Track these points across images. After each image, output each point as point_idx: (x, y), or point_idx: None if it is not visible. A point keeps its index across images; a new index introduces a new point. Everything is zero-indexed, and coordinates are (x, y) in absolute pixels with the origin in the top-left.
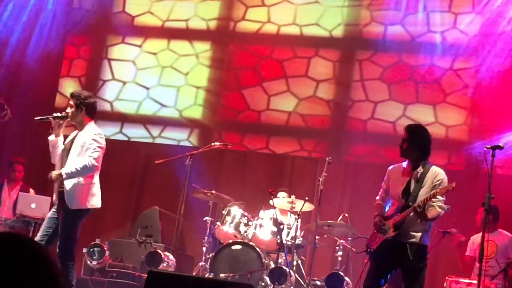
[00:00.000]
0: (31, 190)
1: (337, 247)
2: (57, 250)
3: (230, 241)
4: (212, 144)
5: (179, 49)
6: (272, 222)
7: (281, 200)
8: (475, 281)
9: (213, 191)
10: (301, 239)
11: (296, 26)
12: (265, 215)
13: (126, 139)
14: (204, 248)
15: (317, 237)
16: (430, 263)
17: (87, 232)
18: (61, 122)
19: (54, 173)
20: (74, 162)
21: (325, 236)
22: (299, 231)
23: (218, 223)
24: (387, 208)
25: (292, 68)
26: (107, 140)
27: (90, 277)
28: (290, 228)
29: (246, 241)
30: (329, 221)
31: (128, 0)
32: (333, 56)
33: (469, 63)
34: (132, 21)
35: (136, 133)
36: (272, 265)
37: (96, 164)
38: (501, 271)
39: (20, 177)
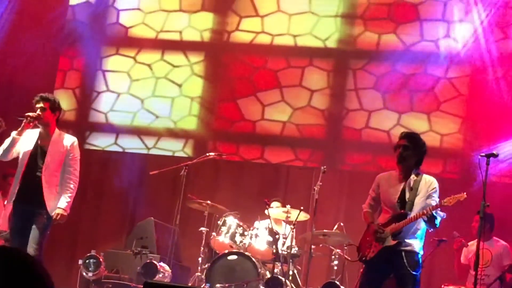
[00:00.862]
0: None
1: (333, 256)
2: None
3: (226, 251)
4: (207, 154)
5: (173, 60)
6: (268, 232)
7: (276, 209)
8: None
9: (208, 202)
10: (296, 248)
11: (290, 36)
12: (261, 225)
13: (121, 150)
14: (199, 259)
15: (312, 246)
16: (426, 272)
17: (82, 244)
18: (31, 123)
19: (61, 214)
20: (66, 186)
21: (320, 245)
22: (294, 240)
23: (213, 233)
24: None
25: (286, 78)
26: (102, 151)
27: None
28: (285, 238)
29: (242, 251)
30: (324, 230)
31: (122, 12)
32: (327, 66)
33: (463, 71)
34: (126, 32)
35: (131, 144)
36: (268, 275)
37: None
38: (496, 279)
39: None
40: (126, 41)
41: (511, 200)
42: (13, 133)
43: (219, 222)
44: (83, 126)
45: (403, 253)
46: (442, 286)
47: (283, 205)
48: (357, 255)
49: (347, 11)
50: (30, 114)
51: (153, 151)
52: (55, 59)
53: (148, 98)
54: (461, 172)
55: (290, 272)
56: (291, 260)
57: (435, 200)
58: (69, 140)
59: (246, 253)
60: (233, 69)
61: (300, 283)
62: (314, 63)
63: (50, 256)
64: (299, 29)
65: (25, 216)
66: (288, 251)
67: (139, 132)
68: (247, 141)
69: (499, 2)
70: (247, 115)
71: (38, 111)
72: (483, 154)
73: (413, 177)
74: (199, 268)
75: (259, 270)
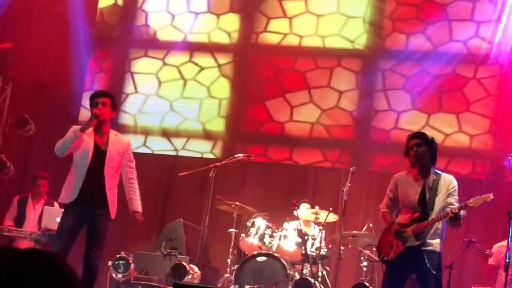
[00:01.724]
0: (56, 204)
1: (362, 258)
2: (94, 256)
3: (255, 252)
4: (236, 156)
5: (201, 62)
6: (297, 233)
7: (305, 211)
8: None
9: (237, 203)
10: (325, 249)
11: (318, 37)
12: (289, 226)
13: (149, 152)
14: (229, 260)
15: (341, 247)
16: (456, 272)
17: (112, 245)
18: (97, 119)
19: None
20: (132, 187)
21: (349, 246)
22: (323, 241)
23: (242, 234)
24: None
25: (314, 79)
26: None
27: None
28: (314, 239)
29: (270, 252)
30: (353, 232)
31: (151, 14)
32: (355, 67)
33: (492, 71)
34: (154, 34)
35: (160, 146)
36: (297, 276)
37: None
38: None
39: (44, 192)
40: (154, 43)
41: None
42: (77, 128)
43: (248, 223)
44: (112, 128)
45: (425, 254)
46: (472, 286)
47: (312, 207)
48: (377, 256)
49: (375, 12)
50: (96, 110)
51: (182, 153)
52: (84, 61)
53: (176, 100)
54: (490, 172)
55: (319, 273)
56: (320, 261)
57: (455, 199)
58: (125, 140)
59: (275, 254)
60: (261, 70)
61: (329, 284)
62: (342, 64)
63: (80, 258)
64: (328, 30)
65: (83, 217)
66: (317, 252)
67: (168, 133)
68: (275, 142)
69: None
70: (275, 117)
71: (99, 107)
72: None
73: (432, 176)
74: (228, 269)
75: (288, 271)
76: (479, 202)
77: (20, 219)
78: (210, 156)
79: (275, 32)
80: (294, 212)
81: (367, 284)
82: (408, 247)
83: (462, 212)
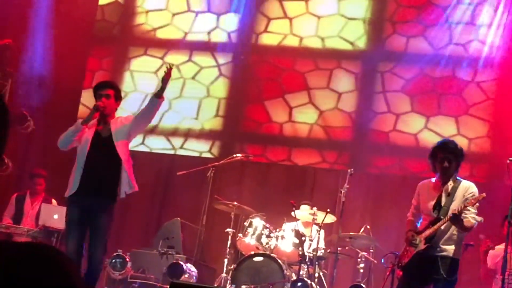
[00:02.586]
0: (54, 201)
1: (359, 259)
2: (96, 254)
3: (252, 252)
4: (234, 155)
5: (201, 61)
6: (294, 233)
7: (303, 212)
8: None
9: (235, 203)
10: (322, 251)
11: (318, 38)
12: (287, 227)
13: (148, 150)
14: (225, 260)
15: (339, 248)
16: None
17: (109, 244)
18: (98, 111)
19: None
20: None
21: (347, 248)
22: (322, 242)
23: (240, 234)
24: (418, 224)
25: (314, 80)
26: (130, 151)
27: None
28: (311, 240)
29: (268, 252)
30: (351, 233)
31: (150, 13)
32: (355, 68)
33: (491, 75)
34: (154, 33)
35: (158, 144)
36: (294, 277)
37: None
38: None
39: (41, 190)
40: (154, 42)
41: None
42: (79, 122)
43: (245, 223)
44: None
45: (438, 259)
46: None
47: (311, 208)
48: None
49: (376, 14)
50: (99, 103)
51: (180, 152)
52: (84, 59)
53: (175, 99)
54: (489, 176)
55: (316, 274)
56: (317, 262)
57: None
58: (126, 115)
59: (272, 254)
60: (261, 70)
61: (326, 286)
62: (342, 66)
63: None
64: (328, 31)
65: (86, 208)
66: (314, 253)
67: (166, 132)
68: (274, 143)
69: None
70: (274, 117)
71: (103, 99)
72: (511, 158)
73: (450, 183)
74: (224, 269)
75: (285, 272)
76: (474, 202)
77: (18, 216)
78: (208, 155)
79: (275, 33)
80: (292, 213)
81: (363, 285)
82: (417, 252)
83: (479, 218)
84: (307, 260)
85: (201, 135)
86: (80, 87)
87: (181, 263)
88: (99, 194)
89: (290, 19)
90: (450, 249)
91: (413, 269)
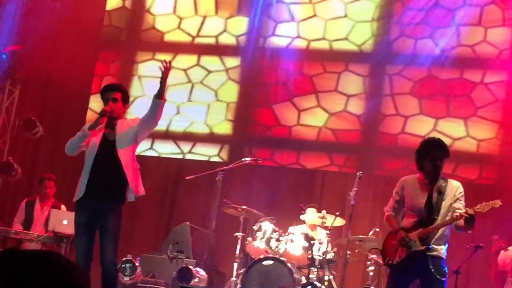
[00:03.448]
0: (63, 207)
1: (369, 262)
2: (112, 257)
3: (261, 256)
4: (243, 159)
5: (209, 65)
6: (303, 237)
7: (312, 215)
8: None
9: (244, 207)
10: (332, 254)
11: (325, 41)
12: (296, 230)
13: (156, 155)
14: (235, 264)
15: (348, 252)
16: (463, 277)
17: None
18: (106, 116)
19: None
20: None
21: (356, 251)
22: (330, 246)
23: (249, 238)
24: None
25: (322, 83)
26: (138, 156)
27: None
28: (321, 243)
29: (277, 256)
30: (360, 236)
31: (158, 17)
32: (363, 71)
33: (499, 76)
34: (162, 37)
35: (167, 149)
36: (304, 280)
37: None
38: None
39: (51, 194)
40: (162, 46)
41: None
42: (86, 127)
43: (254, 227)
44: None
45: (429, 258)
46: None
47: (319, 211)
48: (382, 259)
49: (383, 16)
50: (106, 108)
51: (189, 156)
52: (91, 64)
53: (183, 103)
54: (498, 178)
55: (326, 278)
56: (326, 266)
57: (462, 204)
58: (132, 118)
59: (282, 258)
60: (269, 74)
61: None
62: (350, 68)
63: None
64: (335, 34)
65: (94, 212)
66: (324, 256)
67: (175, 137)
68: (282, 146)
69: None
70: (282, 120)
71: (110, 104)
72: None
73: (441, 182)
74: (234, 273)
75: (295, 275)
76: (486, 209)
77: (28, 222)
78: (217, 159)
79: (283, 36)
80: (301, 217)
81: None
82: (413, 251)
83: None
84: (316, 263)
85: (210, 139)
86: (88, 92)
87: (191, 267)
88: (106, 198)
89: (298, 22)
90: (440, 249)
91: (406, 268)
